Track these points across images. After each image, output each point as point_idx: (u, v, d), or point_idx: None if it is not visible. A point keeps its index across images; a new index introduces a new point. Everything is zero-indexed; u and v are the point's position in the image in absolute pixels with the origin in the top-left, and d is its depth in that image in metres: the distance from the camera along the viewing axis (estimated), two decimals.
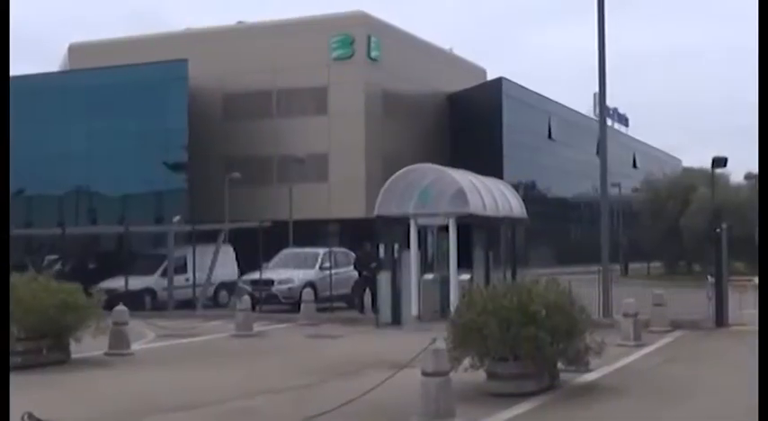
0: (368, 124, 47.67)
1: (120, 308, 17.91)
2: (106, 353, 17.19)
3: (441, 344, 10.72)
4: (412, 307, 22.20)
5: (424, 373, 10.37)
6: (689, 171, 55.08)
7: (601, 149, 24.32)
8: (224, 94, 49.33)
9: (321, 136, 47.73)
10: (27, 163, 46.13)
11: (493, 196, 23.02)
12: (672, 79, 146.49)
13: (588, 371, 13.59)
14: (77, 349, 16.48)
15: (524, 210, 24.64)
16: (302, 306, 23.65)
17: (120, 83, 46.49)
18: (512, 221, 23.90)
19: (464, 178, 22.67)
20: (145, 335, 20.89)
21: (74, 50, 53.66)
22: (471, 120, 52.75)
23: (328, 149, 47.60)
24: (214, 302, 28.28)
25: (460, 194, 21.98)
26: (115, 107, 46.14)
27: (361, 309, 25.50)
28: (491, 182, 24.16)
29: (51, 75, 49.10)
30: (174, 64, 45.66)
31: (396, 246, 22.80)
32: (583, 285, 19.55)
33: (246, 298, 21.45)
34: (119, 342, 17.51)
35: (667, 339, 19.23)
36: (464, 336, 12.54)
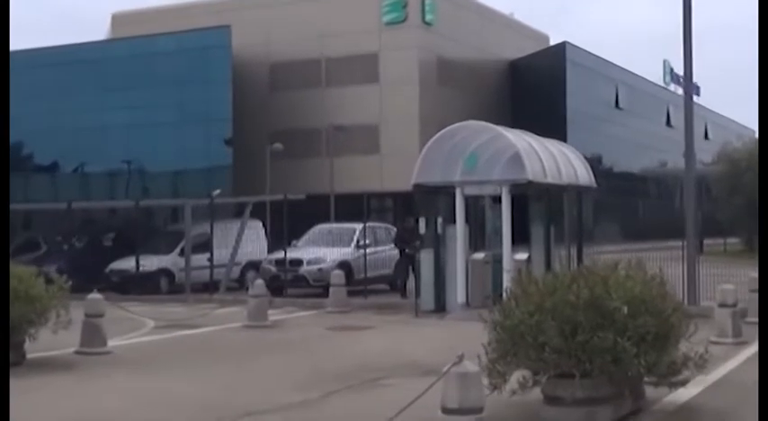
0: (422, 93, 43.80)
1: (95, 296, 14.25)
2: (77, 352, 13.62)
3: (470, 366, 6.92)
4: (458, 292, 18.32)
5: (446, 410, 6.61)
6: None
7: (686, 118, 20.01)
8: (270, 64, 45.79)
9: (372, 106, 44.05)
10: (63, 136, 43.52)
11: (555, 160, 18.97)
12: (744, 49, 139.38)
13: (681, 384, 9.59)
14: (45, 346, 12.95)
15: (592, 178, 20.50)
16: (331, 290, 19.87)
17: (161, 52, 43.48)
18: (577, 190, 19.75)
19: (520, 139, 18.66)
20: (142, 325, 17.29)
21: (117, 20, 50.69)
22: (533, 89, 48.54)
23: (379, 120, 43.86)
24: (240, 284, 24.63)
25: (516, 158, 17.99)
26: (155, 78, 43.06)
27: (404, 292, 21.62)
28: (553, 144, 20.05)
29: (89, 45, 45.89)
30: (216, 31, 42.40)
31: (439, 221, 18.95)
32: (656, 264, 16.02)
33: (260, 282, 17.64)
34: (92, 338, 13.86)
35: None
36: (512, 344, 8.69)
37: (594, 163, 45.39)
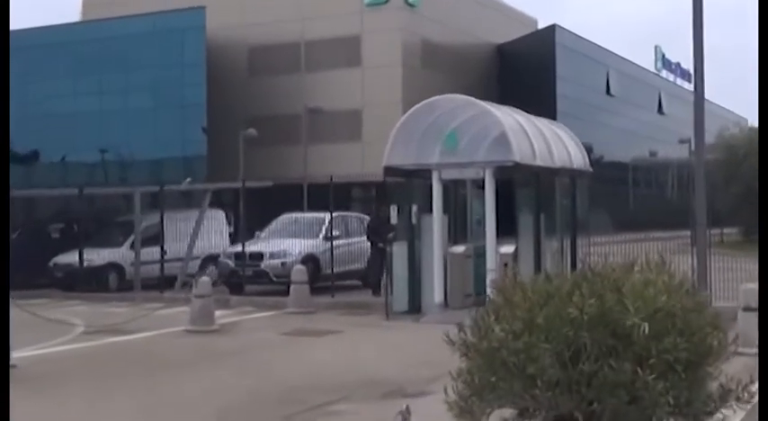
0: (406, 77, 41.17)
1: None
2: None
3: None
4: (435, 291, 15.76)
5: None
6: None
7: (696, 104, 17.39)
8: (248, 47, 43.13)
9: (354, 91, 41.45)
10: (34, 121, 40.92)
11: (546, 141, 16.38)
12: (736, 34, 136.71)
13: None
14: None
15: (587, 161, 17.93)
16: (292, 288, 17.23)
17: (132, 34, 40.81)
18: (571, 174, 17.17)
19: (507, 116, 16.08)
20: (67, 330, 14.64)
21: (88, 1, 47.85)
22: (521, 74, 45.94)
23: (362, 105, 41.20)
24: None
25: (502, 138, 15.43)
26: (128, 62, 40.48)
27: (377, 290, 18.94)
28: (544, 123, 17.46)
29: (59, 27, 43.17)
30: (190, 12, 39.76)
31: (414, 209, 16.39)
32: (655, 253, 13.74)
33: (205, 280, 14.97)
34: None
35: None
36: (490, 375, 6.17)
37: (586, 151, 43.01)
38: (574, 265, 16.71)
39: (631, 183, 56.18)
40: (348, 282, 20.48)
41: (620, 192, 53.75)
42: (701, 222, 16.13)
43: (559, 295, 6.23)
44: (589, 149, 46.70)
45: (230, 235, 22.98)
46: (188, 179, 25.41)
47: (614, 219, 48.07)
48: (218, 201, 25.54)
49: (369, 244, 19.57)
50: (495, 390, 6.13)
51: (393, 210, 16.54)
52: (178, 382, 10.30)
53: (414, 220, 16.30)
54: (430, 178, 15.92)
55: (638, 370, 5.74)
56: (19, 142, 42.57)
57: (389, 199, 16.95)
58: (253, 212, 25.80)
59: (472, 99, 16.31)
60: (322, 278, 19.19)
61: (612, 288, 6.21)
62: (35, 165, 42.26)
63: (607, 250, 16.35)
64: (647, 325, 5.91)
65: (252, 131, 34.92)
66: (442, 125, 15.89)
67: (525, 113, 17.18)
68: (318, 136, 38.96)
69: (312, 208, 27.40)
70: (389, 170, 15.96)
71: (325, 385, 9.97)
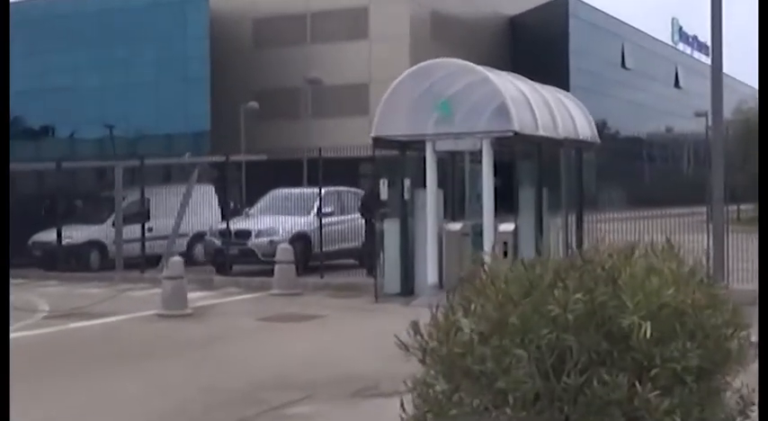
0: (414, 50, 39.65)
1: None
2: None
3: None
4: (428, 271, 14.43)
5: None
6: None
7: (713, 76, 15.86)
8: (253, 19, 41.74)
9: (361, 64, 40.02)
10: (33, 97, 39.83)
11: (550, 110, 14.98)
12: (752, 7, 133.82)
13: None
14: None
15: (595, 131, 16.51)
16: (277, 269, 15.93)
17: (134, 6, 39.40)
18: (577, 146, 15.75)
19: (507, 83, 14.69)
20: (27, 315, 13.40)
21: None
22: (534, 46, 44.44)
23: (369, 79, 39.76)
24: (188, 259, 20.69)
25: (501, 106, 14.06)
26: (130, 35, 39.18)
27: (372, 270, 17.57)
28: (549, 91, 16.03)
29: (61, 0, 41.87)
30: None
31: (406, 184, 15.06)
32: (668, 231, 12.63)
33: (176, 260, 13.68)
34: None
35: None
36: (451, 386, 4.90)
37: (599, 126, 41.56)
38: (580, 244, 15.39)
39: (647, 158, 54.66)
40: (344, 262, 19.19)
41: (636, 167, 52.29)
42: (718, 198, 14.73)
43: (539, 286, 4.94)
44: (604, 124, 45.51)
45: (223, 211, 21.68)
46: (187, 154, 24.13)
47: (629, 195, 46.61)
48: (218, 176, 24.33)
49: (364, 221, 18.25)
50: (458, 406, 4.87)
51: (383, 185, 15.22)
52: (125, 377, 9.04)
53: (406, 196, 14.97)
54: (424, 150, 14.57)
55: (637, 383, 4.47)
56: (22, 116, 41.67)
57: (378, 173, 15.60)
58: (252, 188, 24.61)
59: (470, 64, 14.91)
60: (315, 257, 17.90)
61: (606, 277, 4.91)
62: (43, 140, 41.21)
63: (615, 227, 15.11)
64: (649, 325, 4.60)
65: (254, 105, 33.64)
66: (436, 92, 14.51)
67: (527, 80, 15.78)
68: (325, 110, 37.71)
69: (313, 183, 26.09)
70: (379, 141, 14.62)
71: (292, 381, 8.74)
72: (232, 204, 21.98)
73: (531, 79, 16.16)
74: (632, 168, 50.83)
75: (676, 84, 57.34)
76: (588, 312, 4.69)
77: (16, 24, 37.86)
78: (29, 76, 39.83)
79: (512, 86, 14.74)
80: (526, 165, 14.82)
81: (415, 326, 5.26)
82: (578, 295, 4.66)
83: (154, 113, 39.22)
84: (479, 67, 14.79)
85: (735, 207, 42.41)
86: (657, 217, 16.60)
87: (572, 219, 15.46)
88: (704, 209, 16.79)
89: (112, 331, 12.18)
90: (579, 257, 5.14)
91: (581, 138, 15.61)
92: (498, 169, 15.23)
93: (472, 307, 5.12)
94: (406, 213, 14.97)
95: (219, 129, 37.66)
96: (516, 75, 16.00)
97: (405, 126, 14.46)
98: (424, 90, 14.59)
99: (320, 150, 17.69)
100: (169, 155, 31.51)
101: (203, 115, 38.61)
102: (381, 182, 15.31)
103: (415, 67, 14.85)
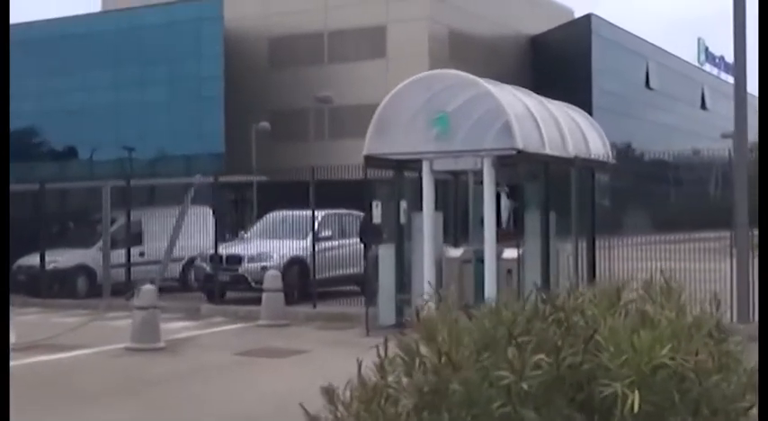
0: (432, 69, 38.38)
1: None
2: None
3: None
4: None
5: None
6: None
7: (736, 97, 14.67)
8: (269, 38, 40.81)
9: (378, 83, 38.79)
10: (48, 116, 39.10)
11: (558, 127, 13.71)
12: None
13: None
14: None
15: (608, 150, 15.18)
16: (264, 298, 14.69)
17: (149, 25, 38.74)
18: (589, 165, 14.43)
19: (510, 97, 13.46)
20: None
21: None
22: (556, 67, 43.10)
23: None
24: (182, 284, 19.55)
25: (504, 123, 12.82)
26: (144, 54, 38.35)
27: (372, 298, 16.24)
28: (558, 107, 14.75)
29: (74, 18, 41.18)
30: (207, 2, 37.52)
31: (402, 206, 13.84)
32: (689, 258, 13.20)
33: (148, 288, 12.50)
34: None
35: None
36: None
37: (623, 148, 40.13)
38: (592, 271, 14.09)
39: (671, 181, 53.08)
40: (345, 289, 17.92)
41: (658, 190, 50.75)
42: (742, 223, 13.42)
43: (492, 343, 3.72)
44: (628, 146, 44.01)
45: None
46: (198, 175, 23.01)
47: (651, 218, 45.01)
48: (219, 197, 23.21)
49: (363, 246, 16.98)
50: None
51: (376, 208, 13.99)
52: None
53: (403, 219, 13.73)
54: (422, 170, 13.34)
55: None
56: (36, 135, 40.95)
57: (371, 194, 14.36)
58: (261, 210, 23.48)
59: (470, 76, 13.70)
60: (313, 284, 16.64)
61: (584, 327, 3.68)
62: (64, 161, 40.37)
63: (631, 254, 13.83)
64: (637, 395, 3.36)
65: (265, 125, 32.53)
66: (434, 107, 13.29)
67: (535, 95, 14.54)
68: (343, 130, 36.61)
69: (319, 205, 24.91)
70: (371, 160, 13.39)
71: None
72: (230, 227, 20.84)
73: (553, 99, 14.96)
74: (654, 190, 49.28)
75: (703, 105, 55.77)
76: (555, 378, 3.47)
77: (31, 42, 37.48)
78: (44, 96, 39.17)
79: (515, 100, 13.51)
80: (532, 185, 13.55)
81: (329, 393, 4.07)
82: (539, 356, 3.44)
83: (168, 133, 38.35)
84: (481, 80, 13.56)
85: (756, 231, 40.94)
86: (679, 242, 15.32)
87: (583, 244, 14.12)
88: (726, 233, 15.60)
89: (72, 367, 10.97)
90: (548, 302, 3.91)
91: (593, 157, 14.30)
92: (513, 190, 14.04)
93: (417, 361, 3.96)
94: (403, 238, 13.74)
95: (235, 149, 36.70)
96: (523, 89, 14.76)
97: (400, 143, 13.23)
98: (422, 105, 13.38)
99: (314, 170, 16.48)
100: (187, 175, 30.39)
101: (218, 135, 37.70)
102: (374, 204, 14.06)
103: (410, 80, 13.64)
